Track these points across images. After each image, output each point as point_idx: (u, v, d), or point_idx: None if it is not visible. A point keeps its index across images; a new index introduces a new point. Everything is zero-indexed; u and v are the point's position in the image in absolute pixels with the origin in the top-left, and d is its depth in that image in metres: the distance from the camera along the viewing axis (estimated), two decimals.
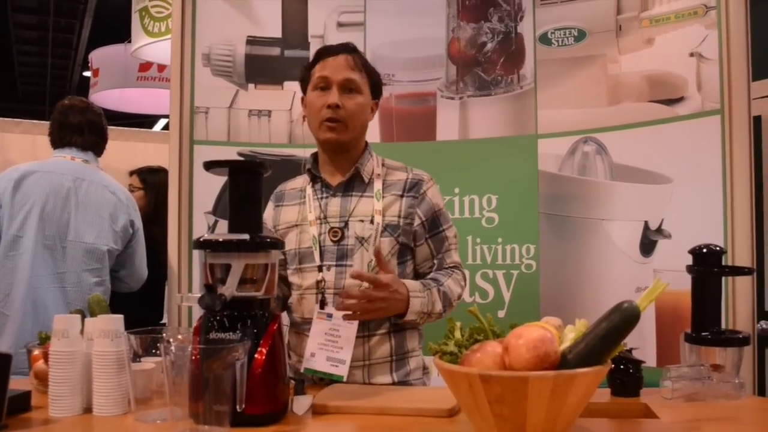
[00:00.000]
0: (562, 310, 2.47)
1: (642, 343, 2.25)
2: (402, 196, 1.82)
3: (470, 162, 2.64)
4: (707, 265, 1.65)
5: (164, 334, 1.36)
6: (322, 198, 1.84)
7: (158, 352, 1.31)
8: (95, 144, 2.71)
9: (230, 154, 2.63)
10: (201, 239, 1.36)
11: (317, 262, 1.78)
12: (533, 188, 2.58)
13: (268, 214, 1.92)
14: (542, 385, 1.06)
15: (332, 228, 1.80)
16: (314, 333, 1.75)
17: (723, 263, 1.71)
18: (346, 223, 1.79)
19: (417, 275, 1.88)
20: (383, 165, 1.88)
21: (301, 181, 1.91)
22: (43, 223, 2.47)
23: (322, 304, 1.77)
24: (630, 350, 1.58)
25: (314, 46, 2.73)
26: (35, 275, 2.43)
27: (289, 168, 2.62)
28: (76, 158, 2.64)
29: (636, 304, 1.16)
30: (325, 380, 1.72)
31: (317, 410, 1.41)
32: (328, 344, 1.74)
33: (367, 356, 1.76)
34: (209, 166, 1.42)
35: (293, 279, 1.84)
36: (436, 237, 1.86)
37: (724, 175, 2.19)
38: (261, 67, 2.74)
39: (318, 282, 1.78)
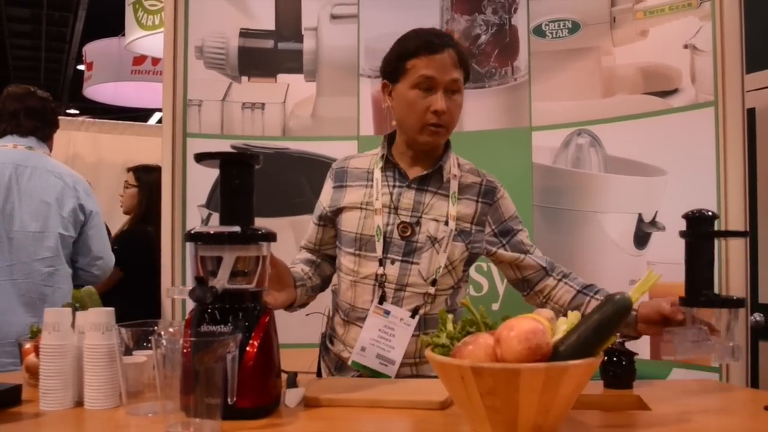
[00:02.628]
0: None
1: None
2: (477, 201, 1.77)
3: (464, 154, 2.60)
4: (700, 229, 1.60)
5: (155, 327, 1.35)
6: (394, 187, 1.76)
7: (149, 345, 1.31)
8: (35, 129, 2.60)
9: (223, 147, 2.61)
10: (192, 231, 1.35)
11: (379, 254, 1.71)
12: (527, 181, 2.58)
13: (326, 195, 1.83)
14: (534, 377, 1.06)
15: (402, 222, 1.72)
16: (368, 327, 1.70)
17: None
18: (419, 220, 1.73)
19: (523, 280, 1.80)
20: (458, 165, 1.81)
21: (368, 161, 1.82)
22: None
23: (382, 299, 1.71)
24: (623, 342, 1.58)
25: (308, 39, 2.73)
26: None
27: (282, 161, 2.61)
28: (19, 146, 2.55)
29: (628, 295, 1.16)
30: (360, 374, 1.70)
31: (309, 403, 1.41)
32: (380, 341, 1.69)
33: (418, 353, 1.72)
34: (200, 158, 1.41)
35: (347, 262, 1.76)
36: (512, 242, 1.79)
37: (718, 167, 2.18)
38: (254, 60, 2.73)
39: (378, 275, 1.71)
